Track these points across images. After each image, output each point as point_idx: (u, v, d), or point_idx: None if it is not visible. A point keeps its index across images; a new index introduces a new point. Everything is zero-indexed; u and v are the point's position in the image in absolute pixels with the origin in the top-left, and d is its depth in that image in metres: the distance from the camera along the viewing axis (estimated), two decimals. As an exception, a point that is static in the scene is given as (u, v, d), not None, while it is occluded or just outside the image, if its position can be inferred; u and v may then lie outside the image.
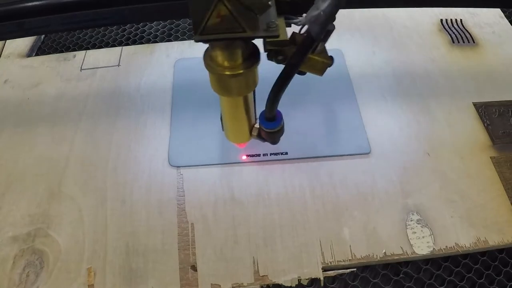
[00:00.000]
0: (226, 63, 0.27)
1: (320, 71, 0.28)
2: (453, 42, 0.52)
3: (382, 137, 0.43)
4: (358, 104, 0.45)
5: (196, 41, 0.25)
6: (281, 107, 0.44)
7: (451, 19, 0.55)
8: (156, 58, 0.50)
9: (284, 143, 0.42)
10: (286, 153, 0.41)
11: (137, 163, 0.41)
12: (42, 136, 0.43)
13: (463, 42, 0.52)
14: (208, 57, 0.28)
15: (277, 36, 0.25)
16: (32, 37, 0.54)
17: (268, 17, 0.25)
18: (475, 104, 0.45)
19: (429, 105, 0.45)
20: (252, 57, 0.27)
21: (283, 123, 0.33)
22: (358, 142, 0.42)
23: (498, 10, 0.57)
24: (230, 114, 0.33)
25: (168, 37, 0.54)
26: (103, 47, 0.53)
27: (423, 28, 0.54)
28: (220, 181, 0.40)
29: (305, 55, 0.25)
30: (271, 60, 0.28)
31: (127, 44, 0.53)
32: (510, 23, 0.55)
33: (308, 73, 0.47)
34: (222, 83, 0.29)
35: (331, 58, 0.28)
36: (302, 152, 0.41)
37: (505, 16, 0.56)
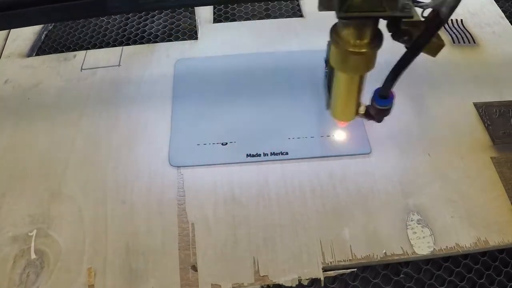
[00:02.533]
0: (353, 41, 0.28)
1: (435, 52, 0.30)
2: (454, 42, 0.52)
3: (382, 137, 0.43)
4: (359, 104, 0.45)
5: (339, 18, 0.26)
6: (282, 106, 0.45)
7: (451, 19, 0.55)
8: (157, 58, 0.50)
9: (284, 143, 0.42)
10: (287, 153, 0.41)
11: (137, 163, 0.41)
12: (43, 136, 0.43)
13: (464, 42, 0.52)
14: (336, 33, 0.29)
15: (412, 17, 0.27)
16: (33, 37, 0.54)
17: None
18: (475, 104, 0.45)
19: (430, 105, 0.45)
20: (377, 38, 0.29)
21: (393, 103, 0.35)
22: (358, 142, 0.42)
23: (499, 10, 0.57)
24: (343, 91, 0.34)
25: (169, 37, 0.54)
26: (103, 47, 0.53)
27: (423, 28, 0.54)
28: (220, 181, 0.40)
29: (432, 36, 0.27)
30: (397, 40, 0.29)
31: (128, 44, 0.53)
32: (511, 23, 0.55)
33: (313, 75, 0.47)
34: (343, 59, 0.30)
35: (442, 40, 0.29)
36: (302, 152, 0.41)
37: (506, 16, 0.56)
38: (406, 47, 0.29)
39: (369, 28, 0.28)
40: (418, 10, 0.28)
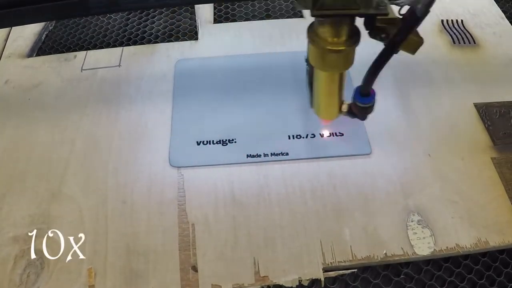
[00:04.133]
0: (330, 39, 0.29)
1: (414, 50, 0.30)
2: (454, 42, 0.52)
3: (382, 138, 0.43)
4: (359, 105, 0.45)
5: (313, 15, 0.27)
6: (283, 107, 0.45)
7: (451, 20, 0.55)
8: (157, 59, 0.50)
9: (284, 143, 0.42)
10: (287, 154, 0.41)
11: (137, 164, 0.41)
12: (43, 136, 0.43)
13: (464, 42, 0.52)
14: (313, 32, 0.29)
15: (387, 14, 0.27)
16: (33, 37, 0.54)
17: None
18: (476, 105, 0.45)
19: (430, 106, 0.45)
20: (355, 36, 0.29)
21: (375, 100, 0.35)
22: (358, 142, 0.42)
23: (499, 11, 0.57)
24: (325, 89, 0.35)
25: (169, 38, 0.54)
26: (103, 48, 0.53)
27: (423, 29, 0.53)
28: (220, 181, 0.40)
29: (409, 33, 0.27)
30: (374, 38, 0.29)
31: (128, 45, 0.53)
32: (511, 24, 0.55)
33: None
34: (322, 57, 0.30)
35: (421, 37, 0.29)
36: (302, 152, 0.41)
37: (506, 17, 0.56)
38: (384, 45, 0.29)
39: (346, 25, 0.28)
40: (396, 8, 0.28)
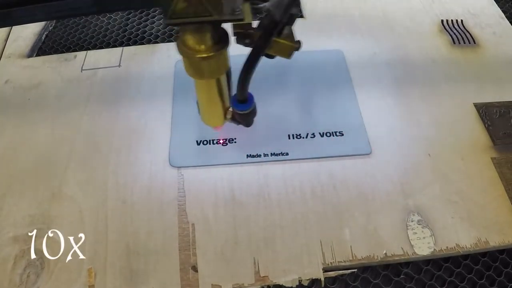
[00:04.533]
0: (197, 47, 0.28)
1: (287, 54, 0.30)
2: (454, 42, 0.52)
3: (382, 138, 0.43)
4: (359, 105, 0.45)
5: (167, 24, 0.27)
6: (283, 107, 0.45)
7: (451, 20, 0.55)
8: (157, 59, 0.50)
9: (285, 143, 0.42)
10: (287, 154, 0.41)
11: (137, 164, 0.41)
12: (43, 136, 0.43)
13: (464, 42, 0.52)
14: (180, 42, 0.29)
15: (242, 20, 0.26)
16: (33, 37, 0.54)
17: (233, 2, 0.26)
18: (475, 105, 0.45)
19: (430, 106, 0.45)
20: (222, 40, 0.29)
21: (255, 105, 0.35)
22: (358, 142, 0.42)
23: (499, 10, 0.57)
24: (204, 97, 0.35)
25: (169, 38, 0.54)
26: (103, 48, 0.53)
27: (423, 29, 0.54)
28: (220, 181, 0.40)
29: (269, 38, 0.27)
30: (240, 43, 0.29)
31: (128, 45, 0.53)
32: (511, 24, 0.55)
33: (313, 75, 0.47)
34: (194, 66, 0.30)
35: (298, 42, 0.29)
36: (302, 152, 0.41)
37: (506, 17, 0.56)
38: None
39: (208, 32, 0.28)
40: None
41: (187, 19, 0.26)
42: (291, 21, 0.27)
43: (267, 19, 0.26)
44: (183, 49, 0.29)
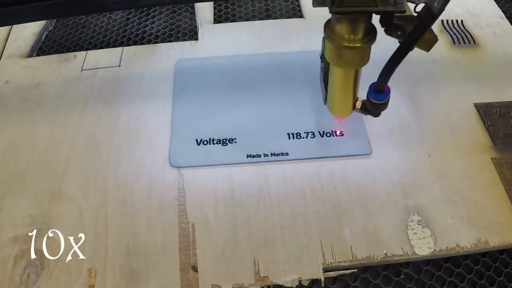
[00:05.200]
0: (347, 36, 0.29)
1: (428, 47, 0.30)
2: (454, 42, 0.52)
3: (382, 138, 0.43)
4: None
5: (331, 12, 0.27)
6: (283, 107, 0.45)
7: (451, 20, 0.55)
8: (157, 59, 0.50)
9: (284, 143, 0.42)
10: (287, 154, 0.41)
11: (137, 164, 0.41)
12: (43, 136, 0.43)
13: (464, 42, 0.52)
14: (330, 28, 0.30)
15: (405, 11, 0.27)
16: (33, 37, 0.54)
17: None
18: (476, 105, 0.45)
19: (430, 106, 0.45)
20: (371, 33, 0.30)
21: (389, 97, 0.35)
22: (358, 142, 0.42)
23: (499, 10, 0.57)
24: (340, 85, 0.35)
25: (169, 38, 0.54)
26: (103, 48, 0.53)
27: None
28: (221, 181, 0.40)
29: (425, 30, 0.27)
30: (390, 35, 0.29)
31: (128, 45, 0.53)
32: (511, 24, 0.55)
33: (313, 75, 0.47)
34: (339, 54, 0.31)
35: (436, 35, 0.30)
36: (302, 152, 0.41)
37: (506, 17, 0.56)
38: (399, 42, 0.29)
39: (362, 23, 0.29)
40: (412, 5, 0.28)
41: (354, 8, 0.27)
42: (439, 15, 0.28)
43: (426, 13, 0.27)
44: (332, 36, 0.30)
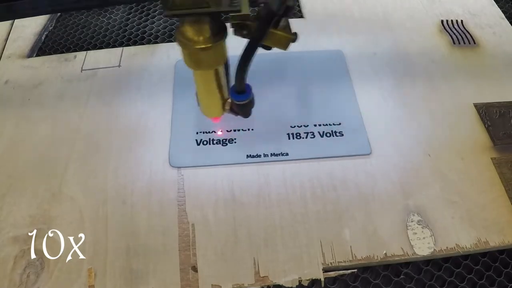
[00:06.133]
0: (195, 38, 0.29)
1: (284, 45, 0.30)
2: (454, 43, 0.52)
3: (382, 138, 0.43)
4: (359, 105, 0.45)
5: (166, 16, 0.27)
6: (283, 107, 0.45)
7: (451, 20, 0.55)
8: (157, 59, 0.50)
9: (284, 143, 0.42)
10: (287, 154, 0.41)
11: (137, 164, 0.41)
12: (43, 136, 0.43)
13: (464, 43, 0.52)
14: (179, 33, 0.29)
15: (239, 11, 0.27)
16: (33, 37, 0.54)
17: None
18: (475, 105, 0.45)
19: (430, 106, 0.45)
20: (220, 32, 0.30)
21: (253, 96, 0.35)
22: (358, 143, 0.42)
23: (499, 11, 0.57)
24: (203, 88, 0.35)
25: (169, 38, 0.54)
26: (103, 48, 0.53)
27: (423, 29, 0.54)
28: (221, 181, 0.40)
29: (266, 28, 0.27)
30: (237, 35, 0.30)
31: (128, 45, 0.53)
32: (511, 24, 0.55)
33: (313, 75, 0.47)
34: (192, 57, 0.31)
35: (295, 33, 0.30)
36: (302, 152, 0.41)
37: (506, 17, 0.56)
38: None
39: (206, 23, 0.29)
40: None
41: (186, 11, 0.27)
42: (287, 13, 0.28)
43: (264, 10, 0.27)
44: (182, 40, 0.29)
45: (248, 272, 0.35)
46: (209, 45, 0.29)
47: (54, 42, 0.54)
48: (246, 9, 0.28)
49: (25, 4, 0.34)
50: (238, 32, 0.30)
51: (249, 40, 0.29)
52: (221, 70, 0.34)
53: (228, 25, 0.30)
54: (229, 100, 0.36)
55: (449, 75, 0.48)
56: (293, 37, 0.29)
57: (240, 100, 0.35)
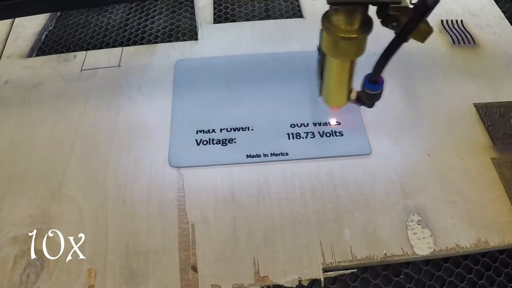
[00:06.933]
0: (344, 27, 0.30)
1: (423, 38, 0.31)
2: (454, 43, 0.52)
3: (382, 138, 0.43)
4: (359, 105, 0.45)
5: (329, 3, 0.28)
6: (282, 107, 0.45)
7: (451, 20, 0.55)
8: (157, 59, 0.50)
9: (284, 143, 0.42)
10: (287, 154, 0.41)
11: (137, 164, 0.41)
12: (43, 136, 0.43)
13: (464, 43, 0.52)
14: (327, 19, 0.30)
15: (400, 3, 0.28)
16: (33, 37, 0.54)
17: None
18: (475, 105, 0.45)
19: (430, 106, 0.45)
20: (367, 24, 0.30)
21: (383, 88, 0.36)
22: (358, 142, 0.42)
23: (499, 11, 0.57)
24: (336, 76, 0.36)
25: (169, 38, 0.54)
26: (103, 48, 0.53)
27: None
28: (220, 181, 0.40)
29: (419, 22, 0.28)
30: (386, 26, 0.30)
31: (128, 45, 0.53)
32: (511, 24, 0.55)
33: (313, 75, 0.47)
34: (335, 45, 0.31)
35: (431, 27, 0.30)
36: (302, 152, 0.41)
37: (506, 17, 0.56)
38: (395, 33, 0.30)
39: (359, 14, 0.29)
40: None
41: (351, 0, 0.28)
42: (433, 7, 0.29)
43: (421, 5, 0.27)
44: (329, 26, 0.30)
45: (248, 272, 0.35)
46: (355, 35, 0.30)
47: (54, 42, 0.54)
48: (405, 2, 0.29)
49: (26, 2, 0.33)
50: (387, 23, 0.30)
51: (398, 32, 0.30)
52: (355, 62, 0.35)
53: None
54: (355, 90, 0.37)
55: (449, 75, 0.48)
56: (432, 30, 0.30)
57: (374, 89, 0.35)
